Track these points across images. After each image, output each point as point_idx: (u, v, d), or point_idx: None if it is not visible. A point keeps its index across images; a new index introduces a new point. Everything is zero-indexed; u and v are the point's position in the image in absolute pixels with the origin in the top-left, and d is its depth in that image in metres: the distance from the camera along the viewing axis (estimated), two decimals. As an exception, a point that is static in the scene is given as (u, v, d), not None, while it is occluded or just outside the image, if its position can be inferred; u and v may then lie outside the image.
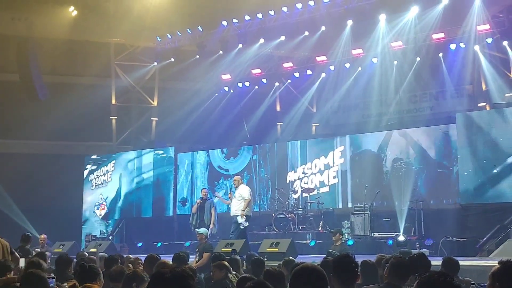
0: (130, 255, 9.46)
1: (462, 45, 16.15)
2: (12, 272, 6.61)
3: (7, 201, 18.64)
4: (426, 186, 15.60)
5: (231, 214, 13.80)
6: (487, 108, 16.53)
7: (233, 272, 7.42)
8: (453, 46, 16.34)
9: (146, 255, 7.70)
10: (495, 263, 4.18)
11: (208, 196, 15.37)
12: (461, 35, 15.94)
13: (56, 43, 19.21)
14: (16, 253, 8.47)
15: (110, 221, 19.83)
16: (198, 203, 15.01)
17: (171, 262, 7.44)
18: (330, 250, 10.71)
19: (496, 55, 16.64)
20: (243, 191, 13.80)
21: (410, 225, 14.25)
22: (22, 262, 7.70)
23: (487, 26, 15.38)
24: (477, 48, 16.43)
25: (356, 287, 4.50)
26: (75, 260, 8.03)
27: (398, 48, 17.06)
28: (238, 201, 13.69)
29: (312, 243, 14.74)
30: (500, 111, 14.40)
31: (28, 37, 18.44)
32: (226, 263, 7.43)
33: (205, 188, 15.76)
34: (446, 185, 15.34)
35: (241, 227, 13.51)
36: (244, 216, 13.47)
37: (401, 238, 13.32)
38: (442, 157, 15.50)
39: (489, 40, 15.79)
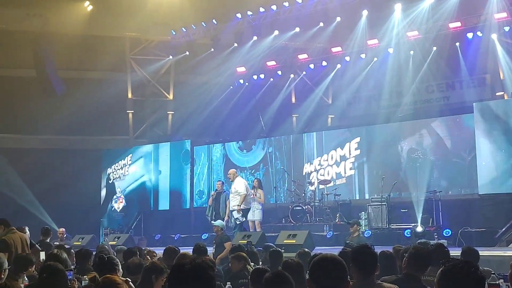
0: (148, 248, 9.51)
1: (479, 34, 15.97)
2: (34, 266, 6.69)
3: (28, 196, 18.87)
4: (444, 177, 15.49)
5: (230, 209, 13.79)
6: (505, 97, 16.35)
7: (252, 263, 7.43)
8: (470, 35, 16.17)
9: (163, 248, 7.77)
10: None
11: (224, 188, 15.44)
12: (478, 23, 15.78)
13: (71, 38, 19.32)
14: (36, 245, 8.56)
15: (128, 214, 19.96)
16: (212, 195, 15.16)
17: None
18: (348, 241, 10.71)
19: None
20: (239, 185, 13.74)
21: (428, 215, 14.15)
22: (42, 255, 7.78)
23: (504, 14, 15.19)
24: (494, 36, 16.24)
25: (375, 278, 4.50)
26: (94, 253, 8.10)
27: (414, 38, 16.91)
28: (234, 196, 13.62)
29: (330, 234, 14.72)
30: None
31: (43, 32, 18.57)
32: (244, 254, 7.45)
33: (220, 181, 15.82)
34: (464, 176, 15.21)
35: (237, 222, 13.51)
36: (241, 211, 13.44)
37: (419, 228, 13.25)
38: (460, 147, 15.37)
39: (507, 29, 15.61)
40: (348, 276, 3.38)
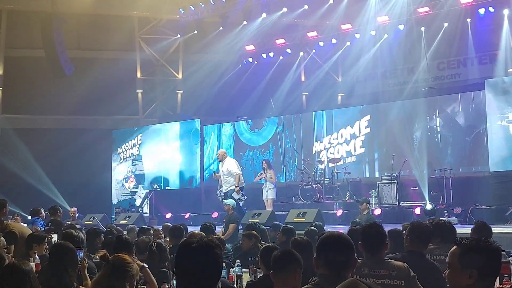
0: (154, 227, 9.57)
1: (491, 9, 15.74)
2: (46, 246, 6.74)
3: (40, 176, 19.00)
4: (455, 154, 15.41)
5: (224, 191, 13.46)
6: (517, 73, 16.16)
7: (262, 242, 7.46)
8: (481, 11, 15.93)
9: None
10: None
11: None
12: (490, -1, 15.54)
13: (80, 18, 19.28)
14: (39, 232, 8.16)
15: (139, 193, 20.08)
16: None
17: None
18: (357, 219, 10.73)
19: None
20: (231, 165, 13.46)
21: (439, 193, 14.11)
22: (55, 237, 7.75)
23: (517, -11, 14.96)
24: (506, 12, 16.01)
25: (384, 256, 4.50)
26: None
27: (425, 14, 16.71)
28: (227, 177, 13.38)
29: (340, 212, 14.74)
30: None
31: (52, 12, 18.51)
32: (255, 232, 7.49)
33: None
34: (475, 153, 15.13)
35: (240, 203, 13.24)
36: (240, 192, 13.18)
37: (428, 206, 13.23)
38: (471, 124, 15.25)
39: (519, 4, 15.38)
40: (355, 254, 3.38)
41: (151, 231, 8.12)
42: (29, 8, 19.33)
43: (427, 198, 13.95)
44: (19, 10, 19.48)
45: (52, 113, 20.38)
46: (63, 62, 18.51)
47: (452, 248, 2.85)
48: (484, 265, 2.74)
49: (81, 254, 5.38)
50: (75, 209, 14.85)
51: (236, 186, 13.16)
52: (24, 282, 3.87)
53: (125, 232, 8.26)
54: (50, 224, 10.45)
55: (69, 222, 11.82)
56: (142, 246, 6.12)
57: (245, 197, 13.48)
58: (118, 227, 9.88)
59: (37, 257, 6.21)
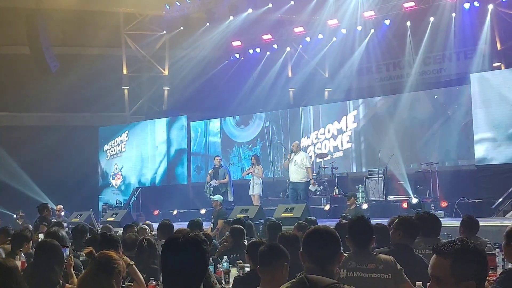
0: (141, 224, 9.51)
1: (476, 4, 15.85)
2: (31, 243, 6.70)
3: (22, 177, 18.70)
4: (441, 148, 15.50)
5: (294, 181, 13.75)
6: (502, 68, 16.26)
7: (248, 237, 7.46)
8: (467, 5, 16.04)
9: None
10: (510, 223, 4.16)
11: (222, 163, 15.51)
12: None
13: (65, 14, 19.11)
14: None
15: (125, 191, 20.00)
16: (210, 173, 15.26)
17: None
18: (344, 214, 10.76)
19: (511, 14, 16.29)
20: (304, 158, 13.79)
21: (425, 187, 14.19)
22: (42, 236, 7.66)
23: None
24: (490, 6, 16.10)
25: (371, 250, 4.51)
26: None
27: (411, 9, 16.77)
28: (299, 168, 13.64)
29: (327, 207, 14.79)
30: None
31: (37, 9, 18.35)
32: (241, 227, 7.48)
33: (218, 156, 15.87)
34: (461, 147, 15.23)
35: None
36: (316, 183, 14.15)
37: (414, 200, 13.30)
38: (457, 118, 15.34)
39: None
40: (341, 248, 3.38)
41: (135, 228, 8.08)
42: (13, 5, 19.14)
43: (410, 192, 14.05)
44: (3, 6, 19.28)
45: (37, 111, 20.22)
46: (48, 58, 18.37)
47: (435, 259, 2.45)
48: (479, 272, 2.41)
49: (67, 252, 5.34)
50: (61, 206, 14.78)
51: (311, 179, 13.59)
52: (9, 280, 3.83)
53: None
54: (38, 220, 10.41)
55: (55, 220, 11.75)
56: (129, 242, 6.08)
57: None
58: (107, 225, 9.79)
59: (23, 255, 6.16)
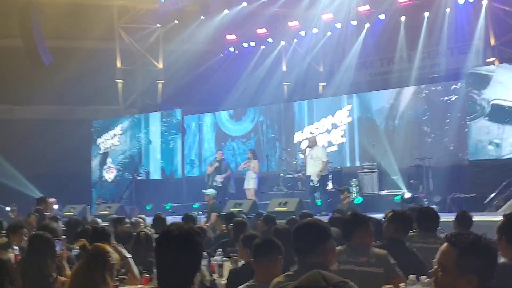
0: (134, 218, 9.48)
1: (470, -1, 15.88)
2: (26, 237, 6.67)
3: (10, 171, 18.46)
4: (435, 143, 15.54)
5: (307, 174, 13.79)
6: (496, 63, 16.30)
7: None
8: (461, 1, 16.05)
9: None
10: (502, 218, 4.18)
11: (223, 157, 15.71)
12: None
13: (59, 6, 18.97)
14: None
15: (119, 184, 19.95)
16: (215, 166, 15.33)
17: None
18: (338, 208, 10.78)
19: (505, 9, 16.33)
20: (320, 152, 13.80)
21: (418, 182, 14.23)
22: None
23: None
24: (485, 2, 16.12)
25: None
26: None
27: (406, 4, 16.78)
28: (315, 161, 13.62)
29: (319, 202, 14.78)
30: (509, 66, 14.21)
31: (30, 1, 18.23)
32: (243, 220, 7.48)
33: (220, 150, 16.03)
34: (454, 142, 15.27)
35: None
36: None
37: (407, 195, 13.34)
38: (450, 114, 15.38)
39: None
40: (329, 240, 3.39)
41: (126, 220, 8.03)
42: (6, -3, 19.01)
43: (403, 187, 14.11)
44: (-4, -1, 19.15)
45: (30, 104, 20.11)
46: (41, 51, 18.26)
47: (445, 247, 2.45)
48: (485, 270, 2.38)
49: (60, 244, 5.33)
50: (54, 199, 14.72)
51: (320, 171, 13.37)
52: (2, 272, 3.81)
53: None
54: (34, 210, 10.41)
55: (48, 213, 11.71)
56: (123, 236, 6.08)
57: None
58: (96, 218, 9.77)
59: (16, 248, 6.15)
